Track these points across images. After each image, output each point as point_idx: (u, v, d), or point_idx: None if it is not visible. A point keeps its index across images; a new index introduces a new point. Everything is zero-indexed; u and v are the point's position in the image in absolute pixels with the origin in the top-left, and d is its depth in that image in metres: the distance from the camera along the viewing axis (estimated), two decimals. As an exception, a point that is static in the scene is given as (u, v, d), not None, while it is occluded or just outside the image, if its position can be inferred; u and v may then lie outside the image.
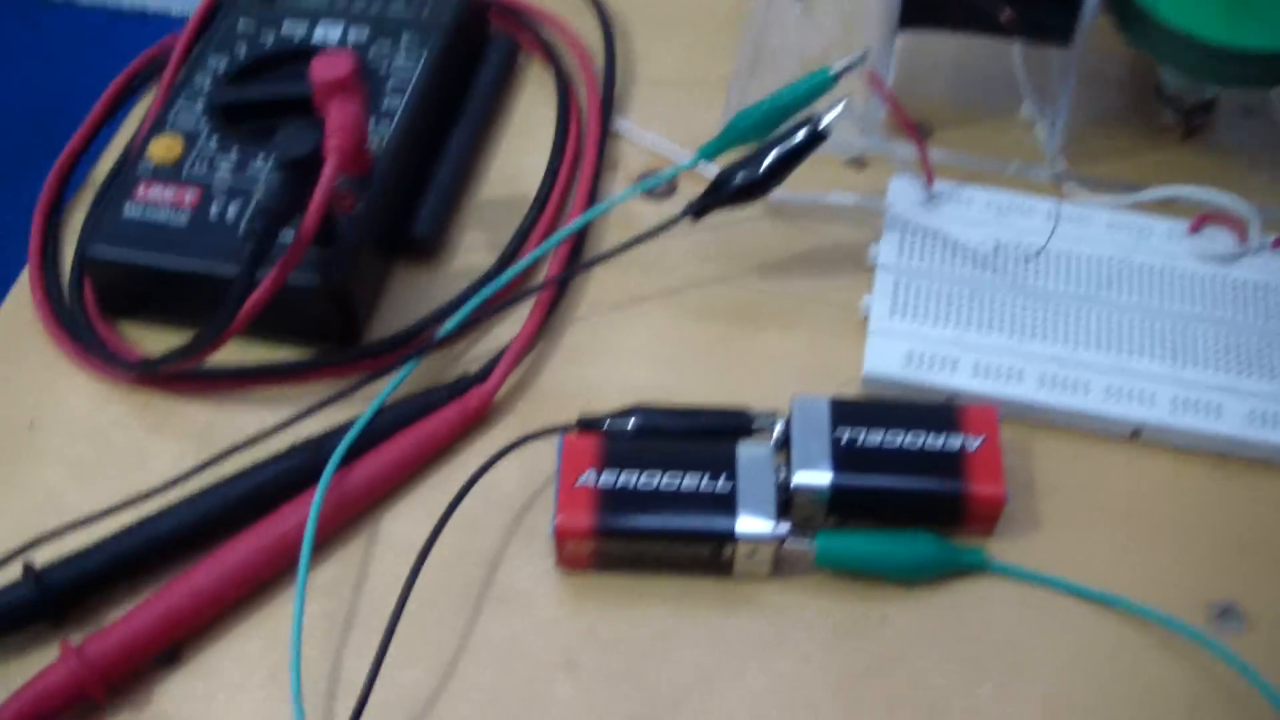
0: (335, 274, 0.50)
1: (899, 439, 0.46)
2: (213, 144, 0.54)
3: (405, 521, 0.48)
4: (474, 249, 0.56)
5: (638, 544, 0.45)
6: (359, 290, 0.52)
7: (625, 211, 0.58)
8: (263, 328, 0.49)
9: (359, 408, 0.48)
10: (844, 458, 0.45)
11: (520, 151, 0.60)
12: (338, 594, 0.46)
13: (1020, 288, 0.52)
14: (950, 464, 0.45)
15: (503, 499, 0.48)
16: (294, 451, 0.48)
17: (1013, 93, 0.60)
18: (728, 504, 0.44)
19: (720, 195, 0.52)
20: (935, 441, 0.46)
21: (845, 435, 0.46)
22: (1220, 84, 0.56)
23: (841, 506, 0.45)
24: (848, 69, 0.52)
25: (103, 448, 0.50)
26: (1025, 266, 0.53)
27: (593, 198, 0.57)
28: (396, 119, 0.55)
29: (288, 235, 0.48)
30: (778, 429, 0.47)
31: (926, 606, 0.45)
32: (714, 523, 0.44)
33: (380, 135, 0.54)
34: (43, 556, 0.45)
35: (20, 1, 1.67)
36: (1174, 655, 0.44)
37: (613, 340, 0.53)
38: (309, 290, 0.50)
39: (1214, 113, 0.59)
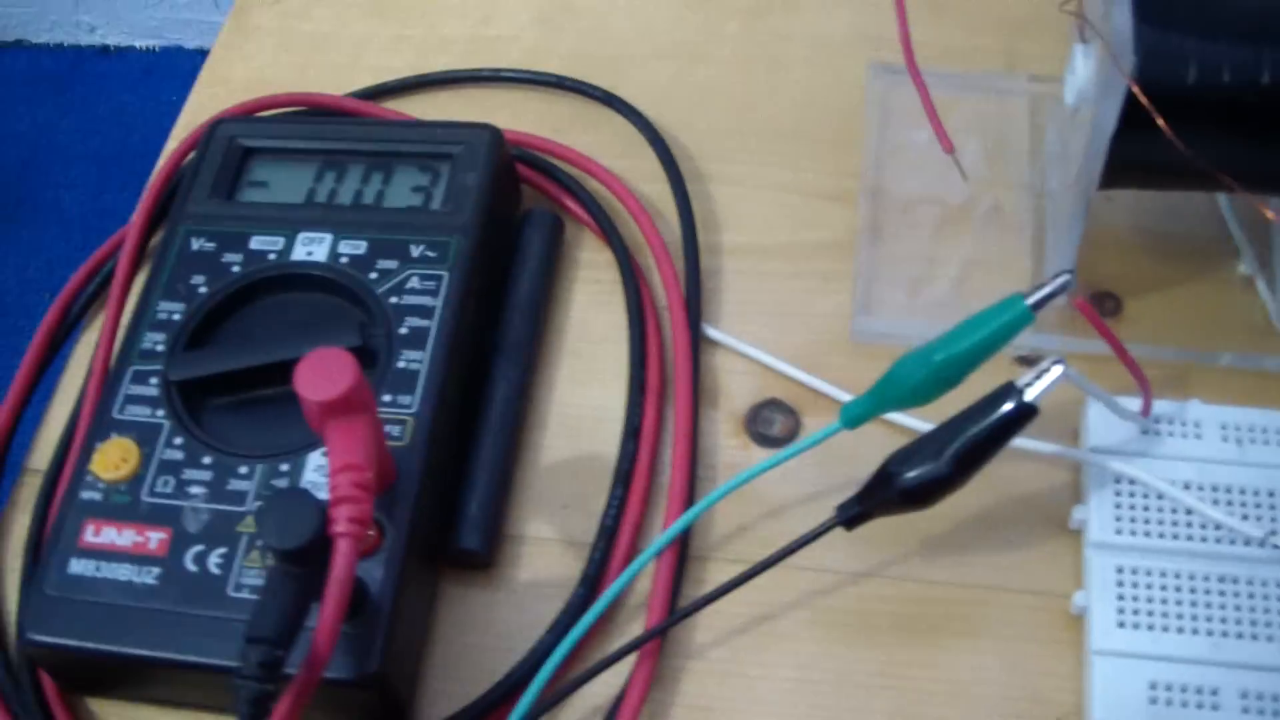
0: (369, 662, 0.36)
1: None
2: (178, 446, 0.40)
3: None
4: (541, 546, 0.42)
5: None
6: (401, 667, 0.38)
7: (720, 454, 0.43)
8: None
9: None
10: None
11: (583, 384, 0.45)
12: None
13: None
14: None
15: None
16: None
17: (1219, 243, 0.45)
18: None
19: (886, 497, 0.37)
20: None
21: None
22: None
23: None
24: (1049, 298, 0.37)
25: None
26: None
27: (693, 464, 0.42)
28: (421, 387, 0.40)
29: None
30: None
31: None
32: None
33: (402, 417, 0.39)
34: None
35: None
36: None
37: (746, 684, 0.39)
38: (338, 683, 0.35)
39: None
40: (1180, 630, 0.37)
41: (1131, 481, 0.39)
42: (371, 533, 0.37)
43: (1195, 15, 0.38)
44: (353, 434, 0.34)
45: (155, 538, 0.38)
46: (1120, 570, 0.38)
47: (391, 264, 0.43)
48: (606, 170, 0.48)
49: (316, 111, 0.52)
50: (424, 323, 0.41)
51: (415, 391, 0.40)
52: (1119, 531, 0.38)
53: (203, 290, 0.43)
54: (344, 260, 0.43)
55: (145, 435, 0.40)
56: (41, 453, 0.45)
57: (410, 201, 0.45)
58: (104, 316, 0.46)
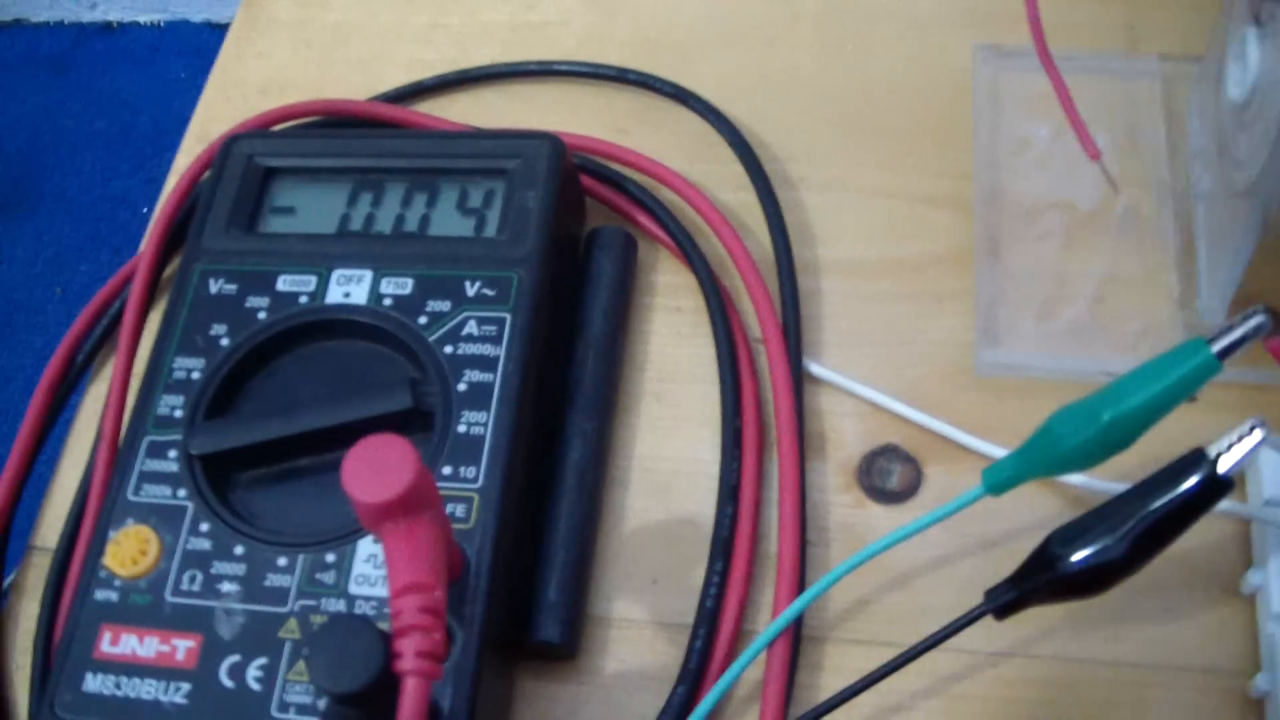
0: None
1: None
2: (204, 534, 0.34)
3: None
4: (630, 630, 0.36)
5: None
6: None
7: (832, 513, 0.37)
8: None
9: None
10: None
11: (668, 433, 0.39)
12: None
13: None
14: None
15: None
16: None
17: None
18: None
19: (1046, 582, 0.31)
20: None
21: None
22: None
23: None
24: (1240, 344, 0.30)
25: None
26: None
27: (803, 527, 0.36)
28: (487, 456, 0.34)
29: None
30: None
31: None
32: None
33: (466, 493, 0.33)
34: None
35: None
36: None
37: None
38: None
39: None
40: (1394, 725, 0.31)
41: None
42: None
43: None
44: (415, 540, 0.29)
45: (183, 646, 0.33)
46: (1314, 650, 0.32)
47: (443, 305, 0.37)
48: (682, 177, 0.42)
49: (345, 121, 0.45)
50: (486, 376, 0.35)
51: (480, 462, 0.34)
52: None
53: (224, 342, 0.37)
54: (387, 302, 0.37)
55: (166, 521, 0.35)
56: (49, 527, 0.40)
57: (460, 228, 0.39)
58: (113, 365, 0.40)
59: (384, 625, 0.31)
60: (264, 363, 0.37)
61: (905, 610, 0.36)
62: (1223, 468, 0.30)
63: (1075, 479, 0.36)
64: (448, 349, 0.36)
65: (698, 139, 0.44)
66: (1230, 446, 0.30)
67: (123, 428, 0.38)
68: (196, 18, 1.26)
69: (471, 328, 0.36)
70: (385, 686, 0.27)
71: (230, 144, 0.41)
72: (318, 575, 0.33)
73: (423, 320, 0.37)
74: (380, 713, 0.27)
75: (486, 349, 0.36)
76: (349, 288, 0.38)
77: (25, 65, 1.25)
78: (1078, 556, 0.31)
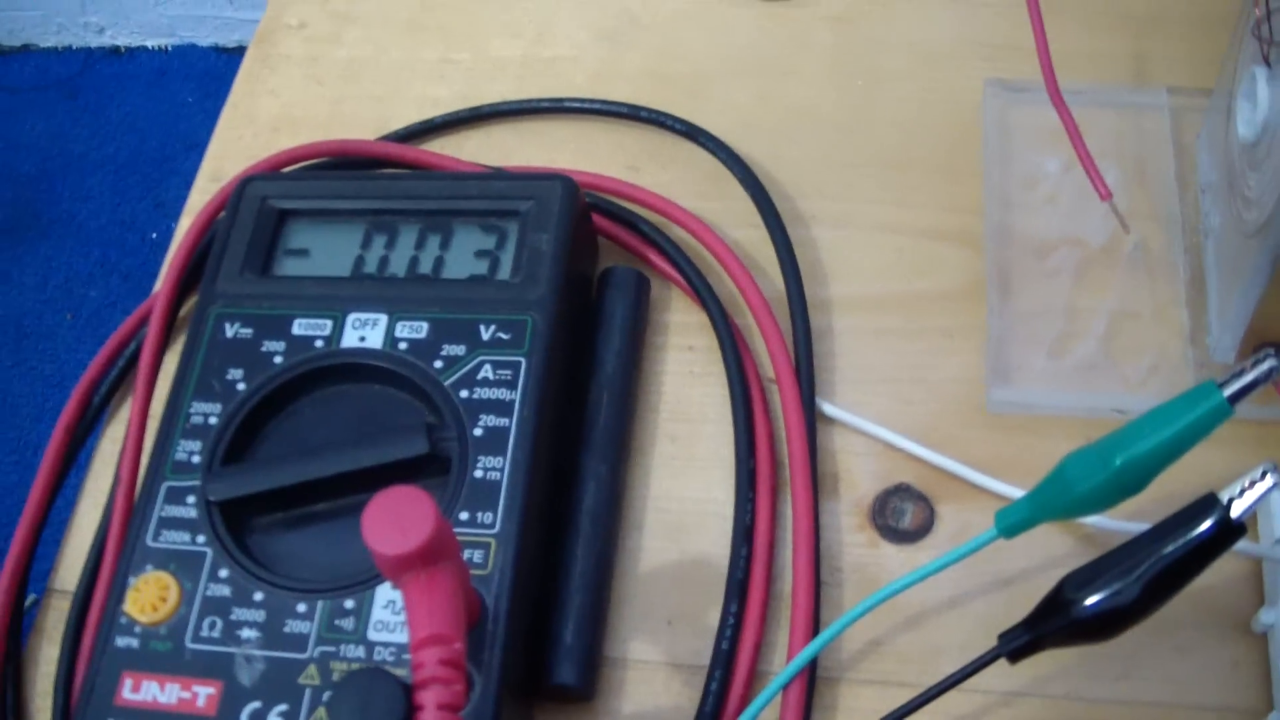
0: None
1: None
2: (223, 580, 0.34)
3: None
4: (645, 671, 0.37)
5: None
6: None
7: (845, 553, 0.37)
8: None
9: None
10: None
11: (682, 474, 0.39)
12: None
13: None
14: None
15: None
16: None
17: None
18: None
19: (1060, 626, 0.31)
20: None
21: None
22: None
23: None
24: (1251, 388, 0.30)
25: None
26: None
27: (817, 567, 0.36)
28: (504, 501, 0.35)
29: None
30: None
31: None
32: None
33: (483, 539, 0.34)
34: None
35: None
36: None
37: None
38: None
39: None
40: None
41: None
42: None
43: None
44: (435, 591, 0.29)
45: (204, 693, 0.33)
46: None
47: (458, 349, 0.37)
48: (693, 216, 0.42)
49: (358, 161, 0.45)
50: (502, 421, 0.36)
51: (497, 507, 0.34)
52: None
53: (241, 387, 0.37)
54: (403, 346, 0.37)
55: (185, 567, 0.35)
56: (68, 569, 0.40)
57: (474, 269, 0.39)
58: (130, 407, 0.40)
59: (402, 671, 0.31)
60: (280, 407, 0.38)
61: (918, 650, 0.36)
62: (1235, 512, 0.30)
63: (1087, 519, 0.36)
64: (463, 393, 0.36)
65: (709, 176, 0.44)
66: (1243, 492, 0.30)
67: (140, 472, 0.38)
68: (204, 42, 1.27)
69: (487, 372, 0.37)
70: None
71: (244, 186, 0.42)
72: (337, 621, 0.33)
73: (438, 364, 0.37)
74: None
75: (502, 393, 0.36)
76: (364, 331, 0.38)
77: (34, 90, 1.26)
78: (1091, 601, 0.31)
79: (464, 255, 0.40)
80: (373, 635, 0.33)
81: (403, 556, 0.28)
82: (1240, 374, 0.30)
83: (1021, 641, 0.32)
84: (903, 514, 0.38)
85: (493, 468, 0.35)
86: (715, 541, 0.38)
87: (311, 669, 0.33)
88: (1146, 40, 0.46)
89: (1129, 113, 0.43)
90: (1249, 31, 0.35)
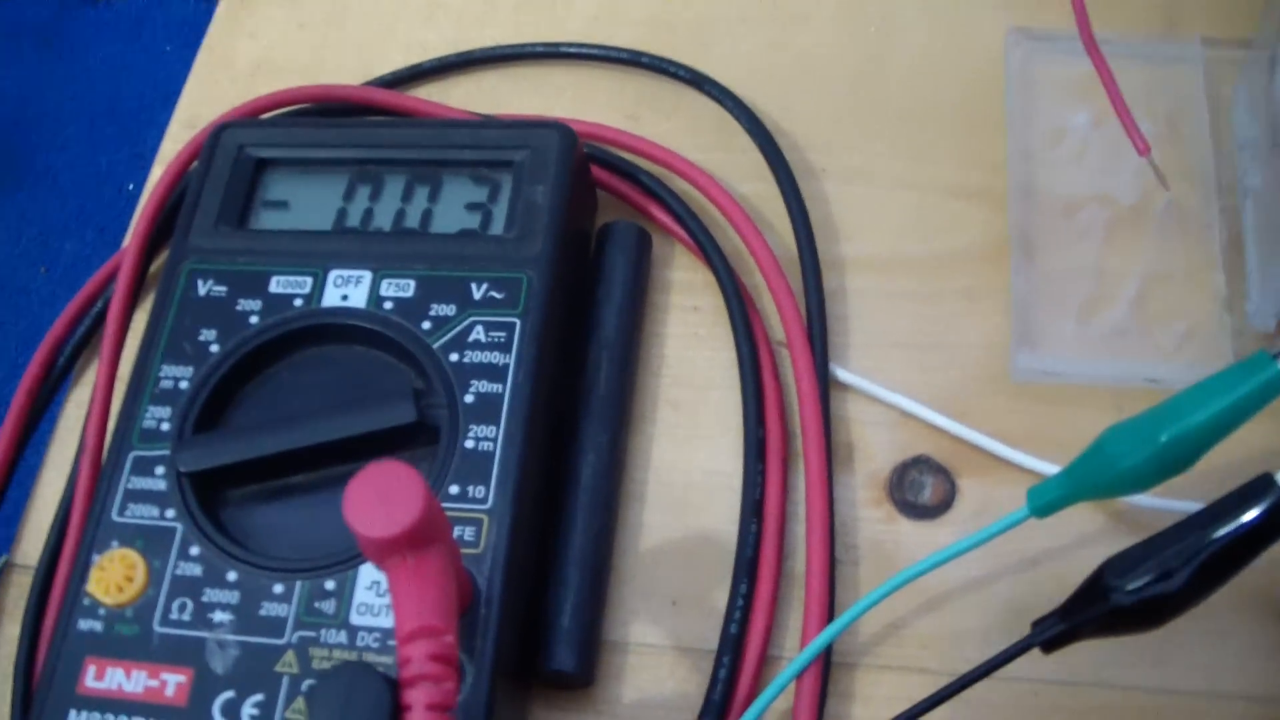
0: None
1: None
2: (194, 558, 0.32)
3: None
4: (648, 655, 0.34)
5: None
6: None
7: (861, 529, 0.35)
8: None
9: None
10: None
11: (687, 443, 0.37)
12: None
13: None
14: None
15: None
16: None
17: None
18: None
19: (1099, 615, 0.29)
20: None
21: None
22: None
23: None
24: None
25: None
26: None
27: (832, 545, 0.34)
28: (496, 473, 0.32)
29: None
30: None
31: None
32: None
33: (475, 515, 0.31)
34: None
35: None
36: None
37: None
38: None
39: None
40: None
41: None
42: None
43: None
44: (424, 578, 0.26)
45: (173, 681, 0.31)
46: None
47: (448, 309, 0.35)
48: (697, 168, 0.39)
49: (341, 108, 0.43)
50: (495, 387, 0.33)
51: (489, 480, 0.32)
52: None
53: (214, 349, 0.35)
54: (388, 305, 0.35)
55: (153, 544, 0.32)
56: (30, 543, 0.38)
57: (465, 223, 0.37)
58: (96, 370, 0.38)
59: (388, 659, 0.29)
60: (256, 371, 0.35)
61: (939, 634, 0.34)
62: (1292, 495, 0.27)
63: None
64: (453, 357, 0.34)
65: (714, 126, 0.42)
66: (1301, 470, 0.27)
67: (106, 439, 0.35)
68: (184, -12, 1.23)
69: (479, 334, 0.34)
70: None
71: (219, 133, 0.39)
72: (316, 604, 0.31)
73: (426, 325, 0.34)
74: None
75: (495, 357, 0.34)
76: (347, 289, 0.35)
77: (9, 37, 1.22)
78: (1133, 588, 0.29)
79: (454, 208, 0.37)
80: (355, 619, 0.31)
81: (388, 540, 0.26)
82: (1300, 349, 0.28)
83: (1056, 631, 0.29)
84: (922, 488, 0.36)
85: (485, 437, 0.33)
86: (722, 516, 0.35)
87: (289, 655, 0.31)
88: (1177, -14, 0.43)
89: (1159, 64, 0.40)
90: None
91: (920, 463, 0.36)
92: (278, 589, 0.31)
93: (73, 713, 0.31)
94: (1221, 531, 0.28)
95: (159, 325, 0.35)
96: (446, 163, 0.38)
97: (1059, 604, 0.30)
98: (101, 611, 0.32)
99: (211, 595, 0.32)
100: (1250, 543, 0.28)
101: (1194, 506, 0.33)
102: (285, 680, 0.30)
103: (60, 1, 1.22)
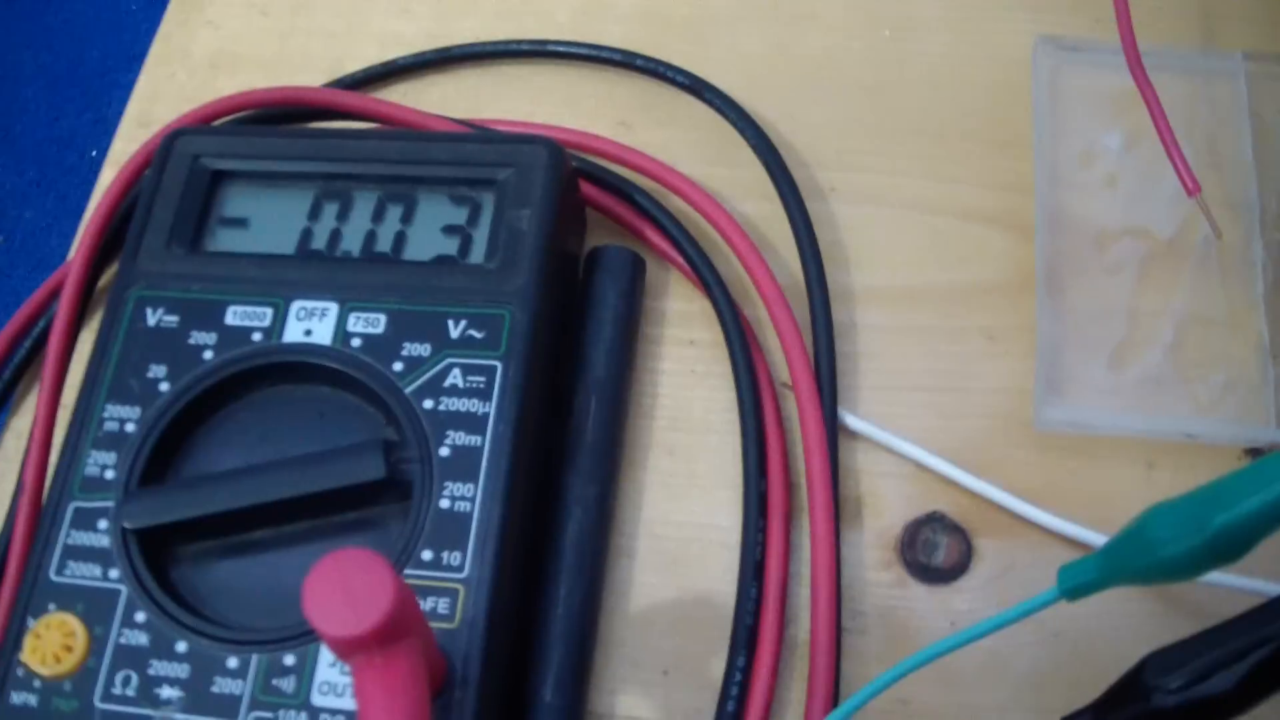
0: None
1: None
2: (140, 625, 0.29)
3: None
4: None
5: None
6: None
7: (869, 594, 0.32)
8: None
9: None
10: None
11: (681, 494, 0.34)
12: None
13: None
14: None
15: None
16: None
17: None
18: None
19: (1139, 715, 0.26)
20: None
21: None
22: None
23: None
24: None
25: None
26: None
27: (838, 612, 0.31)
28: (474, 538, 0.29)
29: None
30: None
31: None
32: None
33: (450, 584, 0.28)
34: None
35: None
36: None
37: None
38: None
39: None
40: None
41: None
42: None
43: None
44: (392, 679, 0.23)
45: (116, 768, 0.28)
46: None
47: (422, 349, 0.31)
48: (695, 185, 0.36)
49: (307, 113, 0.39)
50: (473, 439, 0.30)
51: (466, 545, 0.29)
52: None
53: (164, 387, 0.32)
54: (356, 343, 0.32)
55: (95, 608, 0.29)
56: (-37, 590, 0.34)
57: (442, 249, 0.33)
58: (37, 401, 0.34)
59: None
60: (210, 412, 0.32)
61: (950, 711, 0.31)
62: (1362, 596, 0.25)
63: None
64: (427, 403, 0.31)
65: (713, 137, 0.38)
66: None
67: (46, 483, 0.32)
68: (151, -58, 1.17)
69: (456, 377, 0.31)
70: None
71: (172, 140, 0.35)
72: (274, 681, 0.28)
73: (398, 367, 0.31)
74: None
75: (474, 404, 0.30)
76: (310, 323, 0.32)
77: (-36, -7, 1.17)
78: (1177, 688, 0.26)
79: (430, 231, 0.34)
80: (318, 699, 0.28)
81: (354, 639, 0.23)
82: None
83: (1092, 731, 0.27)
84: (935, 548, 0.33)
85: (462, 496, 0.30)
86: (719, 577, 0.32)
87: (245, 741, 0.27)
88: (1215, -4, 0.40)
89: (1197, 80, 0.37)
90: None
91: (934, 520, 0.33)
92: (232, 663, 0.28)
93: (2, 802, 0.28)
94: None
95: (103, 359, 0.32)
96: (422, 180, 0.34)
97: (1084, 684, 0.27)
98: (37, 684, 0.29)
99: (159, 668, 0.29)
100: (1313, 646, 0.25)
101: (1239, 580, 0.31)
102: (239, 771, 0.27)
103: (21, -44, 1.17)
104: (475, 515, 0.29)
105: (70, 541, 0.30)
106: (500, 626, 0.29)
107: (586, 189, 0.37)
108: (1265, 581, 0.30)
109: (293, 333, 0.32)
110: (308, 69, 0.41)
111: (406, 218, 0.34)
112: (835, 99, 0.39)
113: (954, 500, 0.33)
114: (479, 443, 0.30)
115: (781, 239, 0.36)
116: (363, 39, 0.42)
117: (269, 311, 0.32)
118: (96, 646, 0.29)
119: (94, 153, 1.00)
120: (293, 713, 0.28)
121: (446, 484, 0.30)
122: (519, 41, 0.40)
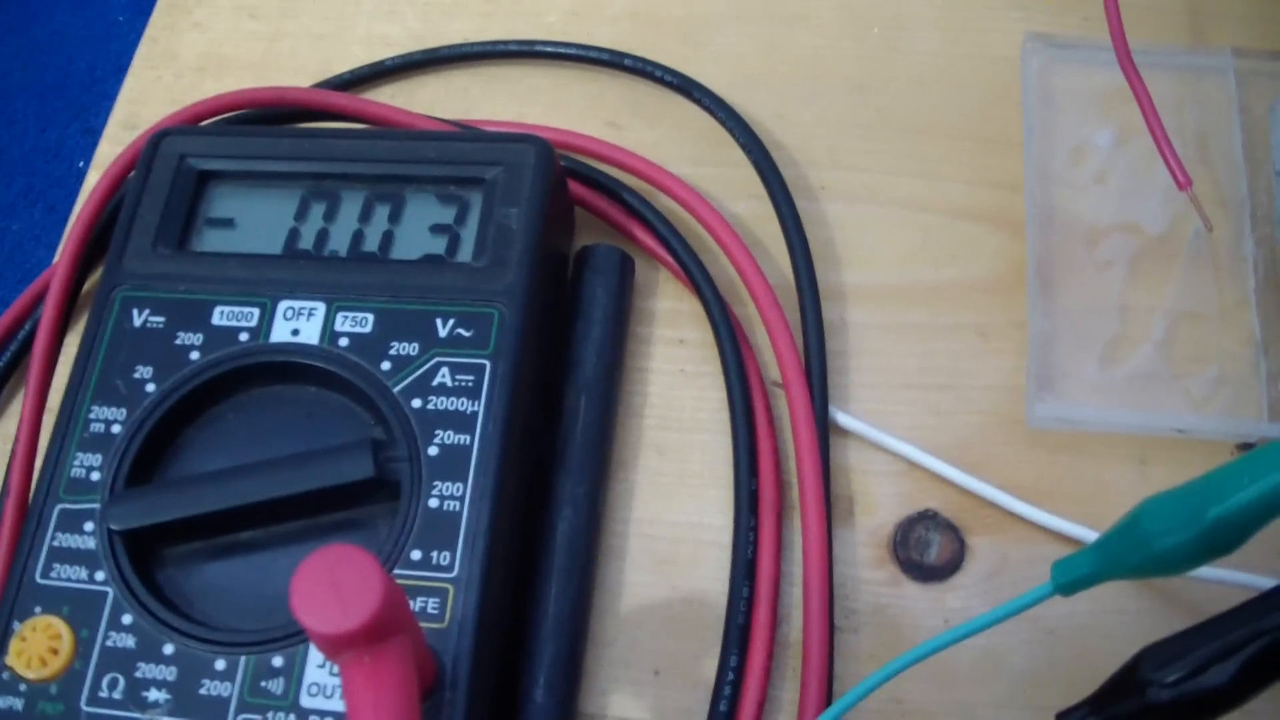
0: None
1: None
2: (126, 628, 0.29)
3: None
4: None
5: None
6: None
7: (862, 592, 0.32)
8: None
9: None
10: None
11: (671, 493, 0.34)
12: None
13: None
14: None
15: None
16: None
17: None
18: None
19: (1134, 711, 0.26)
20: None
21: None
22: None
23: None
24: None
25: None
26: None
27: (831, 610, 0.31)
28: (464, 538, 0.29)
29: None
30: None
31: None
32: None
33: (439, 584, 0.28)
34: None
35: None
36: None
37: None
38: None
39: None
40: None
41: None
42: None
43: None
44: (381, 677, 0.23)
45: (101, 770, 0.27)
46: None
47: (410, 348, 0.31)
48: (685, 184, 0.36)
49: (294, 113, 0.39)
50: (462, 438, 0.30)
51: (455, 545, 0.29)
52: None
53: (150, 388, 0.31)
54: (343, 343, 0.31)
55: (81, 610, 0.29)
56: (-52, 594, 0.34)
57: (430, 248, 0.33)
58: (22, 404, 0.34)
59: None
60: (197, 413, 0.32)
61: (944, 709, 0.31)
62: (1356, 587, 0.24)
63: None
64: (415, 402, 0.30)
65: (703, 137, 0.38)
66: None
67: (32, 485, 0.32)
68: (138, -49, 1.17)
69: (444, 376, 0.31)
70: None
71: (158, 141, 0.35)
72: (263, 683, 0.28)
73: (386, 366, 0.31)
74: None
75: (462, 403, 0.30)
76: (298, 323, 0.32)
77: (-50, 3, 1.16)
78: (1172, 681, 0.26)
79: (418, 231, 0.34)
80: (306, 701, 0.28)
81: (342, 636, 0.23)
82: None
83: (1086, 725, 0.26)
84: (928, 546, 0.33)
85: (451, 495, 0.29)
86: (711, 576, 0.32)
87: (235, 740, 0.27)
88: (1203, -9, 0.40)
89: (1187, 77, 0.37)
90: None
91: (927, 518, 0.33)
92: (220, 665, 0.28)
93: (-14, 809, 0.27)
94: (1277, 621, 0.25)
95: (89, 360, 0.32)
96: (410, 179, 0.34)
97: (1079, 681, 0.27)
98: (22, 687, 0.28)
99: (146, 671, 0.28)
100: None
101: (1233, 575, 0.30)
102: (228, 773, 0.27)
103: (7, -34, 1.17)
104: (464, 514, 0.29)
105: (56, 544, 0.30)
106: (490, 626, 0.29)
107: (575, 188, 0.37)
108: (1259, 576, 0.30)
109: (280, 333, 0.32)
110: (295, 71, 0.41)
111: (394, 217, 0.34)
112: (825, 98, 0.39)
113: (946, 498, 0.33)
114: (468, 442, 0.30)
115: (771, 238, 0.36)
116: (350, 41, 0.42)
117: (256, 312, 0.32)
118: (83, 649, 0.29)
119: (82, 164, 1.00)
120: (281, 714, 0.28)
121: (435, 483, 0.29)
122: (507, 42, 0.40)
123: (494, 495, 0.29)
